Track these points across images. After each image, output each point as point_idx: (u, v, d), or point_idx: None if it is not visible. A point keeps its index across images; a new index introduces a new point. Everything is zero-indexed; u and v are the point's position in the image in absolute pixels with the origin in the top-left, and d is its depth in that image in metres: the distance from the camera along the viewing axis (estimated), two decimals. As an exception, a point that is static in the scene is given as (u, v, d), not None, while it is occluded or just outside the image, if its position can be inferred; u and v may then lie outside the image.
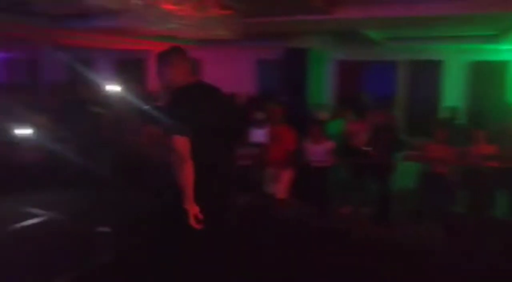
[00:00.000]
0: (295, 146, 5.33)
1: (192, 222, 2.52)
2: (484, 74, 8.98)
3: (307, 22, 6.59)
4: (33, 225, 4.60)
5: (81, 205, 4.53)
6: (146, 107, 6.65)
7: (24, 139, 5.58)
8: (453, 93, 9.07)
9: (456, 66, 9.17)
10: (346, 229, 4.80)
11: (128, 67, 11.67)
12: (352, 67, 10.01)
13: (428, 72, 9.54)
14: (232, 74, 10.02)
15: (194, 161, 2.55)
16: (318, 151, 5.57)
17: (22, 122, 5.59)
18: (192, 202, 2.53)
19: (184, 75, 2.76)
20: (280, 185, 5.27)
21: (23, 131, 5.55)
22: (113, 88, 9.23)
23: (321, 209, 5.45)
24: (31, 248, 3.94)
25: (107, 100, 8.31)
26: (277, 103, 6.01)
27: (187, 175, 2.53)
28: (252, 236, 4.46)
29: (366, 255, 4.07)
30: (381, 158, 5.42)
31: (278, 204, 5.24)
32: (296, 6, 5.78)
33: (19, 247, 3.99)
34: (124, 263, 3.69)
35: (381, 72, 10.01)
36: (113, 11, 5.11)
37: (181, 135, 2.55)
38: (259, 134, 5.70)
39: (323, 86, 9.66)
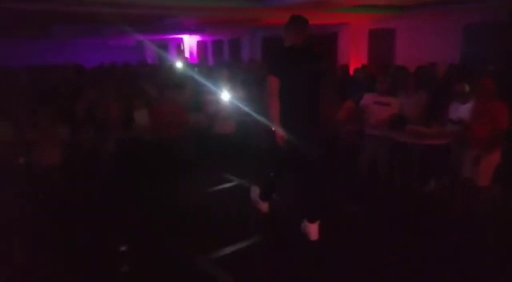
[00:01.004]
0: (507, 125, 4.39)
1: (278, 141, 3.56)
2: None
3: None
4: (226, 188, 5.24)
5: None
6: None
7: (224, 112, 6.20)
8: None
9: None
10: None
11: (320, 42, 11.74)
12: None
13: None
14: (433, 43, 9.04)
15: (280, 97, 3.51)
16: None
17: (223, 96, 6.21)
18: (278, 127, 3.54)
19: (291, 38, 3.69)
20: (483, 169, 4.45)
21: (223, 104, 6.20)
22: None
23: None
24: (222, 209, 4.53)
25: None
26: (487, 74, 5.08)
27: (274, 106, 3.53)
28: (438, 227, 4.06)
29: None
30: None
31: (477, 193, 4.46)
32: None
33: (214, 206, 4.63)
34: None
35: None
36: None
37: (272, 76, 3.53)
38: (462, 110, 4.94)
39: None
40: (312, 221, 3.74)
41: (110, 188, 4.88)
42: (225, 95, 6.21)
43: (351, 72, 8.19)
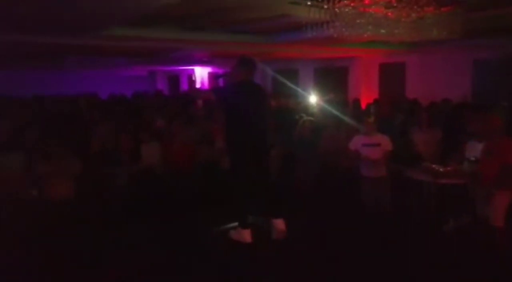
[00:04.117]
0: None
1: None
2: None
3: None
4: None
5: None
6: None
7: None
8: None
9: None
10: None
11: (331, 75, 11.84)
12: None
13: None
14: (443, 78, 9.08)
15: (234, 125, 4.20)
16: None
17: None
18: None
19: (242, 75, 4.30)
20: (495, 208, 4.32)
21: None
22: (314, 96, 9.53)
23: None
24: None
25: (309, 108, 8.62)
26: (496, 110, 5.03)
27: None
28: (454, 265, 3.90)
29: None
30: None
31: (490, 233, 4.30)
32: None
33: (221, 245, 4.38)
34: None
35: None
36: (322, 21, 5.13)
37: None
38: (478, 148, 4.84)
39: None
40: (277, 217, 4.26)
41: (122, 222, 4.80)
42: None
43: (363, 106, 8.20)
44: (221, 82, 4.88)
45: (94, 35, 6.49)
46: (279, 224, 4.27)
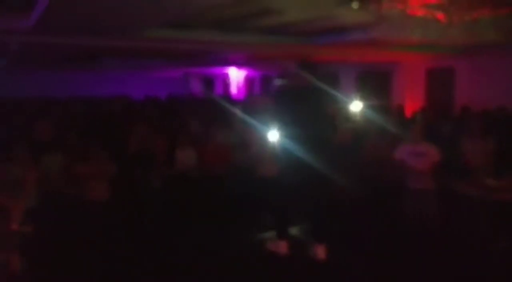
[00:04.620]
0: None
1: None
2: None
3: None
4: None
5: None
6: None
7: (268, 153, 5.85)
8: None
9: None
10: None
11: (373, 81, 11.45)
12: None
13: None
14: (496, 84, 8.51)
15: None
16: None
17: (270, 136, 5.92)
18: None
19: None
20: None
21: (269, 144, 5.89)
22: (355, 102, 9.20)
23: None
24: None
25: (348, 114, 8.32)
26: None
27: None
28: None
29: None
30: None
31: None
32: None
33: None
34: None
35: None
36: (367, 23, 4.90)
37: None
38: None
39: None
40: (319, 242, 3.96)
41: (155, 225, 4.80)
42: (273, 135, 5.93)
43: (408, 113, 7.83)
44: (273, 86, 4.72)
45: (133, 36, 6.56)
46: (319, 250, 3.98)
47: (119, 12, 4.87)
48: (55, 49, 8.62)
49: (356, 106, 8.81)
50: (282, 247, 4.04)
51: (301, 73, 4.13)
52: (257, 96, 15.32)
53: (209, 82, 19.36)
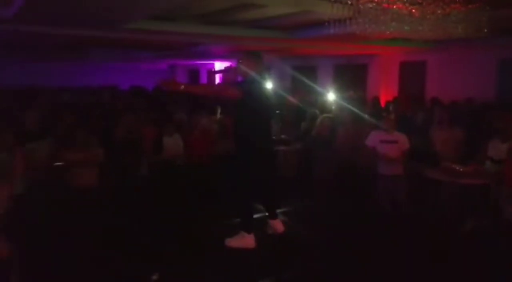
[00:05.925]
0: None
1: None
2: None
3: None
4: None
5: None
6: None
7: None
8: None
9: None
10: None
11: (349, 73, 11.78)
12: None
13: None
14: (465, 77, 8.95)
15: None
16: None
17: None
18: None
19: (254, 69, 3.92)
20: None
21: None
22: (333, 93, 9.49)
23: None
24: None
25: (325, 105, 8.60)
26: None
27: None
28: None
29: None
30: None
31: None
32: None
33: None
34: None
35: None
36: (345, 18, 5.12)
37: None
38: (502, 149, 4.81)
39: None
40: (274, 218, 4.17)
41: (142, 211, 4.86)
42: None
43: (382, 104, 8.16)
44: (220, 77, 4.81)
45: (118, 28, 6.62)
46: (277, 224, 4.16)
47: (105, 3, 4.94)
48: (38, 39, 8.54)
49: (333, 97, 9.12)
50: (250, 241, 3.91)
51: (254, 63, 3.94)
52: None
53: (194, 73, 19.45)
